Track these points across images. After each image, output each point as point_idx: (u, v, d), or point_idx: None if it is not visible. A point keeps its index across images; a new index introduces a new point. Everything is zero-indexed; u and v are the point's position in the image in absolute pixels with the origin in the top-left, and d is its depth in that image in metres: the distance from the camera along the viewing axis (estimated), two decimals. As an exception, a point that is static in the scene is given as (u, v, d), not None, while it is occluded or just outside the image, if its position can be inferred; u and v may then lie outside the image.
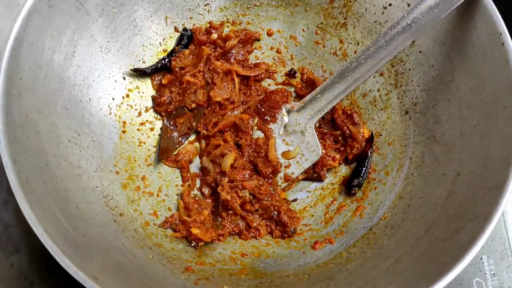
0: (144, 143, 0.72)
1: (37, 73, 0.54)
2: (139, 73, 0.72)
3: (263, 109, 0.73)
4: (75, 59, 0.61)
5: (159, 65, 0.74)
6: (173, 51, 0.75)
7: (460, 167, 0.55)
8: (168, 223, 0.65)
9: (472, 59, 0.56)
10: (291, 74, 0.79)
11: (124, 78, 0.71)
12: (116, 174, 0.65)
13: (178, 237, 0.64)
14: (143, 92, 0.74)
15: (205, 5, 0.77)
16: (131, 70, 0.71)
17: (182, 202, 0.67)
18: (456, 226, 0.49)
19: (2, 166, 0.45)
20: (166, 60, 0.74)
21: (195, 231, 0.62)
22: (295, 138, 0.71)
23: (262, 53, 0.80)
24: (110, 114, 0.68)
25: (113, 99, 0.69)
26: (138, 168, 0.69)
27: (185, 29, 0.76)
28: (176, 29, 0.76)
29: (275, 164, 0.71)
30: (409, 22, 0.57)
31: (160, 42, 0.75)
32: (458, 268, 0.44)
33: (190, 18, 0.76)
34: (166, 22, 0.75)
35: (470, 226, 0.47)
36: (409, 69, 0.67)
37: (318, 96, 0.68)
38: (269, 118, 0.73)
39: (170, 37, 0.76)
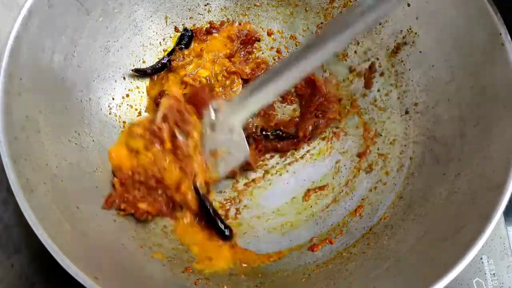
0: (144, 143, 0.72)
1: (37, 73, 0.54)
2: (139, 73, 0.72)
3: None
4: (75, 59, 0.61)
5: (159, 65, 0.74)
6: (173, 51, 0.75)
7: (460, 167, 0.54)
8: (111, 204, 0.60)
9: (472, 59, 0.56)
10: (291, 74, 0.78)
11: (124, 78, 0.71)
12: (116, 174, 0.65)
13: (125, 215, 0.60)
14: (143, 92, 0.74)
15: (205, 5, 0.77)
16: (131, 70, 0.71)
17: (117, 180, 0.63)
18: (456, 226, 0.49)
19: (2, 166, 0.45)
20: (166, 60, 0.74)
21: (142, 205, 0.60)
22: (222, 137, 0.65)
23: (262, 53, 0.80)
24: (110, 114, 0.68)
25: (113, 99, 0.69)
26: (138, 168, 0.69)
27: (186, 29, 0.76)
28: (176, 29, 0.76)
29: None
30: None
31: (160, 42, 0.75)
32: (458, 268, 0.44)
33: (190, 18, 0.76)
34: (166, 22, 0.75)
35: (470, 226, 0.47)
36: (409, 69, 0.67)
37: (247, 96, 0.61)
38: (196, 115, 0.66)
39: (170, 37, 0.76)
